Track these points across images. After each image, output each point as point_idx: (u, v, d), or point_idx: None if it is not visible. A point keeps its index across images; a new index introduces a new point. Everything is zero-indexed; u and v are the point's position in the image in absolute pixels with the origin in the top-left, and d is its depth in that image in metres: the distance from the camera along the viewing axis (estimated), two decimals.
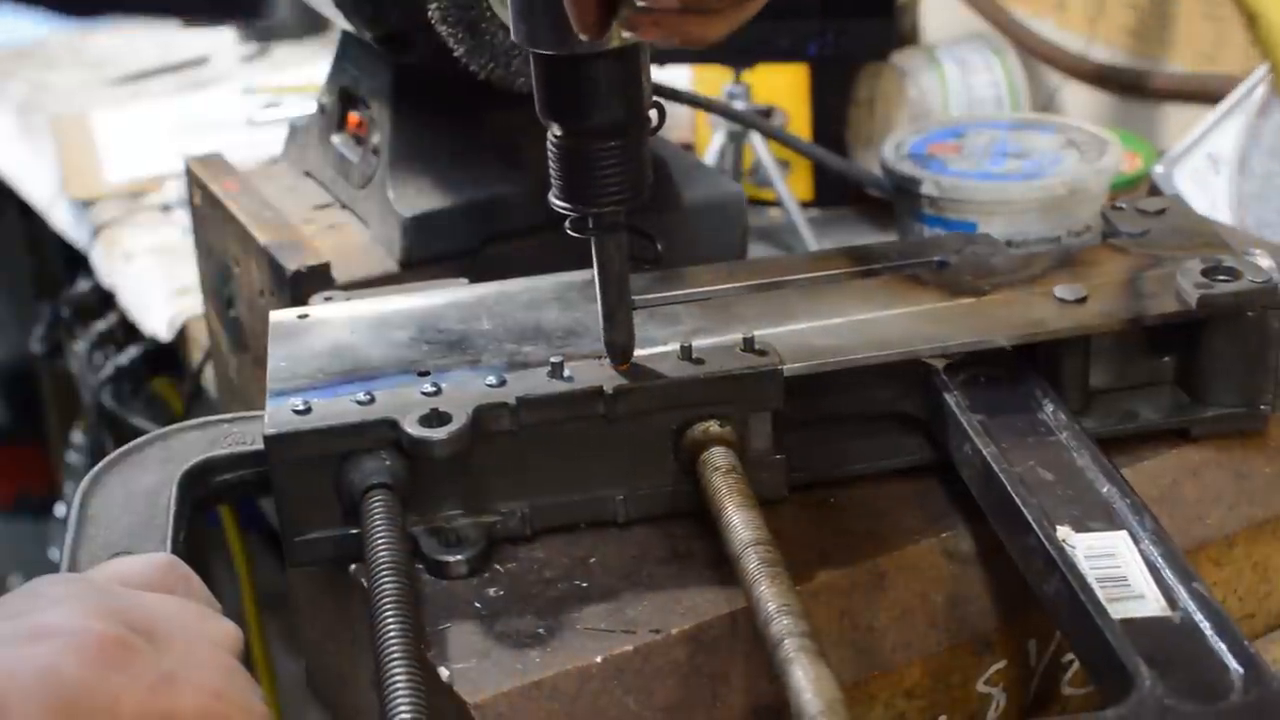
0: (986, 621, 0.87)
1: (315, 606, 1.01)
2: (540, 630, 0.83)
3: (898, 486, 0.93)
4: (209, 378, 1.48)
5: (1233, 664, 0.73)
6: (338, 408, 0.89)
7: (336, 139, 1.27)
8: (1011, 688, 0.89)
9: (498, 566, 0.89)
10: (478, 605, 0.86)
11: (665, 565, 0.88)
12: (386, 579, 0.80)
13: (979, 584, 0.88)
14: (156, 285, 1.65)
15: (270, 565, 1.76)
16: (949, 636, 0.88)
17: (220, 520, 1.75)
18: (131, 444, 0.94)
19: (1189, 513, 0.93)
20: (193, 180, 1.29)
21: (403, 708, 0.72)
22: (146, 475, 0.91)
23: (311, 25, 2.25)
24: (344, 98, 1.26)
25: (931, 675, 0.88)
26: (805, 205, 1.57)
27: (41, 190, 1.88)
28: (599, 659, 0.81)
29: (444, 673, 0.81)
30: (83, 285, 1.92)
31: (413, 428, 0.86)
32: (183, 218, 1.68)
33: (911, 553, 0.88)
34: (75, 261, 1.89)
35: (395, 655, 0.75)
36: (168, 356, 1.72)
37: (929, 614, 0.87)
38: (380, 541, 0.83)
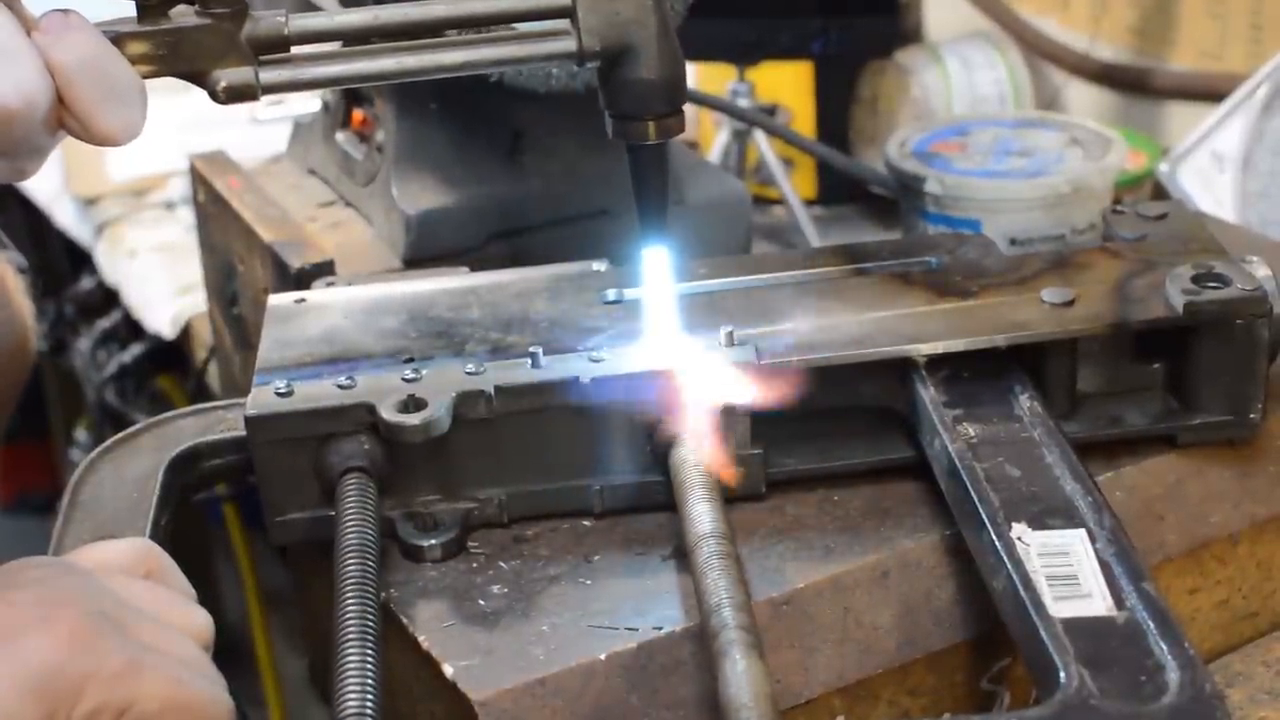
0: (990, 619, 0.87)
1: (316, 602, 1.01)
2: (544, 628, 0.83)
3: (901, 484, 0.93)
4: (213, 375, 1.48)
5: (1171, 666, 0.72)
6: (319, 391, 0.89)
7: (340, 136, 1.27)
8: (1015, 685, 0.89)
9: (501, 564, 0.89)
10: (482, 603, 0.86)
11: (669, 562, 0.88)
12: (351, 562, 0.81)
13: (982, 582, 0.88)
14: (160, 283, 1.65)
15: (274, 564, 1.76)
16: (953, 634, 0.88)
17: (224, 519, 1.75)
18: (127, 431, 0.95)
19: (1193, 511, 0.93)
20: (197, 178, 1.29)
21: (351, 696, 0.72)
22: (139, 461, 0.92)
23: None
24: (348, 95, 1.26)
25: (935, 673, 0.88)
26: (809, 203, 1.57)
27: (45, 187, 1.88)
28: (603, 656, 0.81)
29: (448, 670, 0.81)
30: (86, 283, 1.91)
31: (388, 413, 0.87)
32: (186, 215, 1.68)
33: (915, 550, 0.88)
34: (79, 259, 1.89)
35: (350, 639, 0.75)
36: (171, 354, 1.72)
37: (933, 612, 0.87)
38: (349, 524, 0.83)
